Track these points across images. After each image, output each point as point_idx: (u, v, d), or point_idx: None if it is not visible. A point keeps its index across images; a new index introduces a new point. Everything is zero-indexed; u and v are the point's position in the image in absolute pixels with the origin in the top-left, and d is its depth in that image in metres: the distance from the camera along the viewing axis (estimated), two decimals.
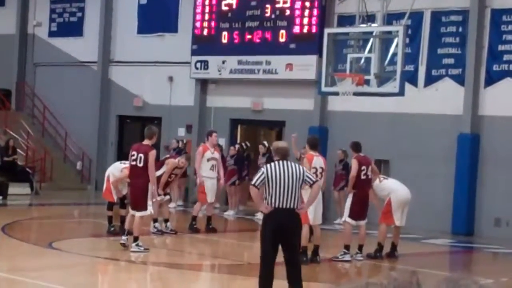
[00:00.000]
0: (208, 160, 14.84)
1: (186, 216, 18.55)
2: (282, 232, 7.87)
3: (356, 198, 12.15)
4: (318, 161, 11.75)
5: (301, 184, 8.03)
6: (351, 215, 12.20)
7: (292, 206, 7.91)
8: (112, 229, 13.82)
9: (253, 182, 8.07)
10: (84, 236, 14.26)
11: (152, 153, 11.81)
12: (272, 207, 7.93)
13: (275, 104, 20.11)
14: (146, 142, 12.03)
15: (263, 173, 7.98)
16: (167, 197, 14.43)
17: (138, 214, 11.89)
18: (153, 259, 11.81)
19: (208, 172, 14.81)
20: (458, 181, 17.06)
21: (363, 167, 12.19)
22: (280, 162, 8.04)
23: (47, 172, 23.04)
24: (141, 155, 11.80)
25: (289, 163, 8.05)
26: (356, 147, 12.56)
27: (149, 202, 11.90)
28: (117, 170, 13.63)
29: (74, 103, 23.86)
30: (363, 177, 12.20)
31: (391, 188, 12.61)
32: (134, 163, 11.89)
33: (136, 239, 11.89)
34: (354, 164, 12.24)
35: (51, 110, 24.55)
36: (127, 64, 23.13)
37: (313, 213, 11.64)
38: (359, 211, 12.15)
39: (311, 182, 8.16)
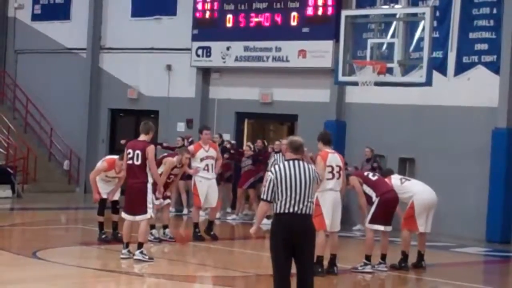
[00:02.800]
0: (202, 159, 14.82)
1: (187, 222, 18.57)
2: (293, 239, 7.84)
3: (380, 202, 12.17)
4: (334, 158, 11.74)
5: (313, 185, 7.99)
6: (372, 220, 12.20)
7: (304, 211, 7.88)
8: (104, 236, 13.87)
9: (262, 195, 8.01)
10: (72, 244, 14.30)
11: (151, 148, 11.88)
12: (281, 212, 7.91)
13: (286, 96, 20.11)
14: (142, 138, 12.08)
15: (271, 179, 7.93)
16: (167, 201, 14.45)
17: (137, 218, 11.95)
18: (150, 269, 11.83)
19: (202, 172, 14.79)
20: (493, 182, 17.02)
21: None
22: (291, 162, 8.01)
23: (31, 172, 23.11)
24: (138, 152, 11.85)
25: (300, 163, 8.02)
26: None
27: (149, 205, 11.97)
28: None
29: (61, 95, 23.92)
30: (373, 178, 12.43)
31: (413, 190, 12.60)
32: (130, 162, 11.93)
33: (140, 246, 11.97)
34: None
35: (34, 102, 24.61)
36: (120, 51, 23.16)
37: (330, 218, 11.63)
38: (384, 216, 12.16)
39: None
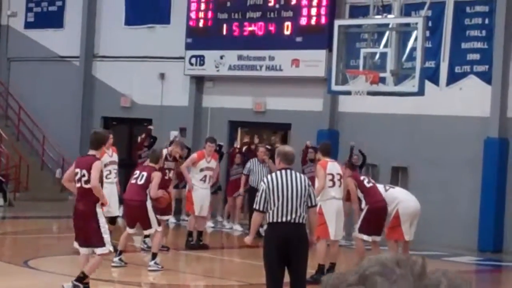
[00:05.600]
0: (202, 170, 14.89)
1: (179, 231, 18.59)
2: (287, 247, 7.89)
3: (370, 210, 12.23)
4: (333, 166, 11.89)
5: (306, 197, 8.04)
6: (362, 230, 12.25)
7: (298, 220, 7.94)
8: None
9: (255, 206, 8.07)
10: (64, 253, 14.27)
11: (157, 174, 12.43)
12: (274, 221, 7.97)
13: (279, 105, 20.17)
14: (151, 164, 12.75)
15: (263, 189, 7.99)
16: None
17: (145, 232, 12.56)
18: (143, 279, 11.86)
19: (198, 182, 14.85)
20: (485, 191, 17.10)
21: (363, 177, 12.40)
22: (283, 171, 8.07)
23: (22, 180, 23.10)
24: (144, 173, 12.47)
25: (292, 172, 8.09)
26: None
27: (153, 219, 12.28)
28: None
29: (53, 103, 23.92)
30: (368, 185, 12.44)
31: (398, 198, 12.66)
32: (134, 181, 12.57)
33: (154, 256, 12.28)
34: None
35: (27, 110, 24.62)
36: (113, 59, 23.20)
37: (334, 227, 11.70)
38: (373, 224, 12.21)
39: (309, 204, 8.12)
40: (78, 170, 9.64)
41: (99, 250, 9.53)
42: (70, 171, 10.05)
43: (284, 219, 7.92)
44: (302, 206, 7.98)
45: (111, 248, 9.78)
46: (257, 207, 8.01)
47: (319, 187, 11.51)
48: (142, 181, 12.32)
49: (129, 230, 12.34)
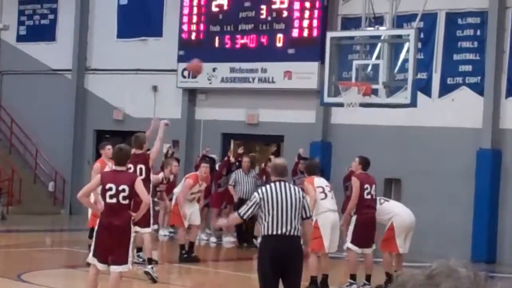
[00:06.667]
0: (192, 193, 14.89)
1: (173, 244, 18.58)
2: (281, 260, 7.89)
3: (358, 221, 12.21)
4: (320, 180, 11.93)
5: (301, 209, 8.07)
6: (354, 241, 12.24)
7: (292, 233, 7.95)
8: None
9: (240, 211, 8.08)
10: (58, 267, 14.28)
11: (155, 178, 12.92)
12: (269, 233, 7.98)
13: (272, 117, 20.21)
14: (138, 151, 12.70)
15: (255, 201, 7.99)
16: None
17: (141, 231, 12.34)
18: None
19: (186, 201, 14.84)
20: (477, 202, 17.14)
21: (366, 186, 12.29)
22: (277, 183, 8.09)
23: (15, 194, 23.06)
24: (142, 166, 12.53)
25: (286, 184, 8.11)
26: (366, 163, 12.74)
27: (151, 220, 12.43)
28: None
29: (46, 116, 23.91)
30: (366, 196, 12.28)
31: (393, 211, 12.65)
32: None
33: (150, 261, 12.31)
34: (355, 183, 12.33)
35: (19, 124, 24.60)
36: (105, 72, 23.21)
37: (328, 239, 11.71)
38: (363, 237, 12.19)
39: (304, 216, 8.14)
40: (111, 185, 9.15)
41: (122, 268, 9.20)
42: (91, 186, 9.54)
43: (278, 232, 7.92)
44: (296, 218, 7.99)
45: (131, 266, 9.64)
46: (241, 214, 8.01)
47: (310, 200, 11.50)
48: (143, 175, 12.13)
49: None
